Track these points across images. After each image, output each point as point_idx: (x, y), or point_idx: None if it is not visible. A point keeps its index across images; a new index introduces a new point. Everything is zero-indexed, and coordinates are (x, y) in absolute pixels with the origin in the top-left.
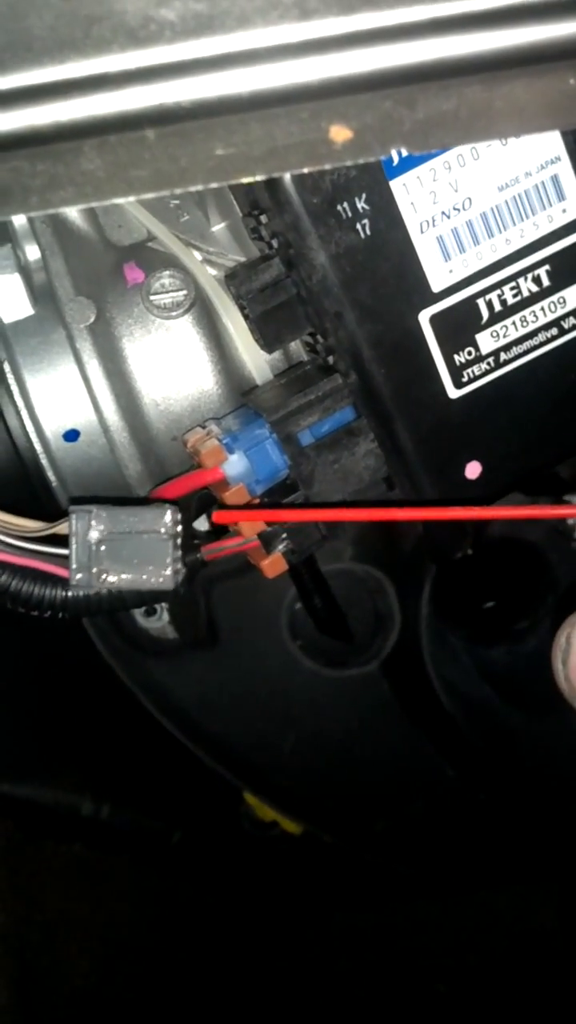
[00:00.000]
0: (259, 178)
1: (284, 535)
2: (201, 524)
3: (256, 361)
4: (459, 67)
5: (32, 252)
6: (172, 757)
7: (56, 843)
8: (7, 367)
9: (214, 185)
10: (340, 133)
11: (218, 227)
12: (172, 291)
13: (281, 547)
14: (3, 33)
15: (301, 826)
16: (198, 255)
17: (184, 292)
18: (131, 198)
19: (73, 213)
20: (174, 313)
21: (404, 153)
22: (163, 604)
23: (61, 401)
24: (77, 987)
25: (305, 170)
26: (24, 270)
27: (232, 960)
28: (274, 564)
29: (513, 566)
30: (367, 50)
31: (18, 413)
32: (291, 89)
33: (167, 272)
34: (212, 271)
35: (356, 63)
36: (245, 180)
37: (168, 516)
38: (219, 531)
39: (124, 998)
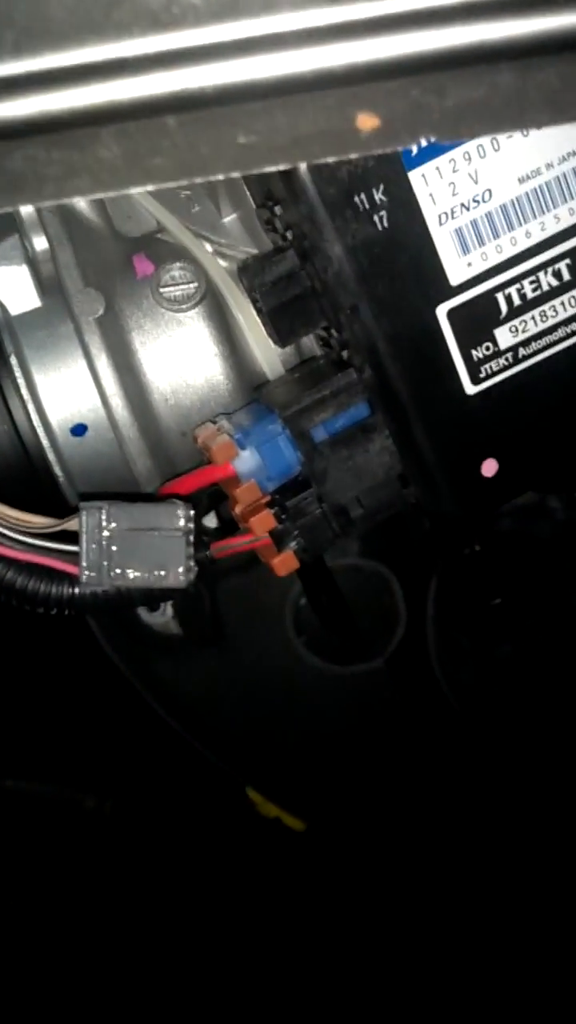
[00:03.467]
0: (282, 167)
1: (296, 533)
2: (208, 520)
3: (267, 355)
4: (491, 53)
5: (40, 243)
6: (175, 752)
7: (57, 839)
8: (14, 360)
9: (235, 174)
10: (367, 122)
11: (229, 218)
12: (182, 283)
13: (292, 545)
14: (20, 15)
15: (303, 823)
16: (209, 247)
17: (195, 285)
18: (149, 187)
19: (82, 203)
20: (184, 306)
21: (433, 142)
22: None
23: (69, 395)
24: (76, 988)
25: (330, 160)
26: (31, 261)
27: (232, 957)
28: (285, 562)
29: (521, 563)
30: (397, 35)
31: (25, 407)
32: (317, 75)
33: (177, 264)
34: (223, 263)
35: (386, 48)
36: (268, 169)
37: (182, 514)
38: (228, 528)
39: (122, 998)
